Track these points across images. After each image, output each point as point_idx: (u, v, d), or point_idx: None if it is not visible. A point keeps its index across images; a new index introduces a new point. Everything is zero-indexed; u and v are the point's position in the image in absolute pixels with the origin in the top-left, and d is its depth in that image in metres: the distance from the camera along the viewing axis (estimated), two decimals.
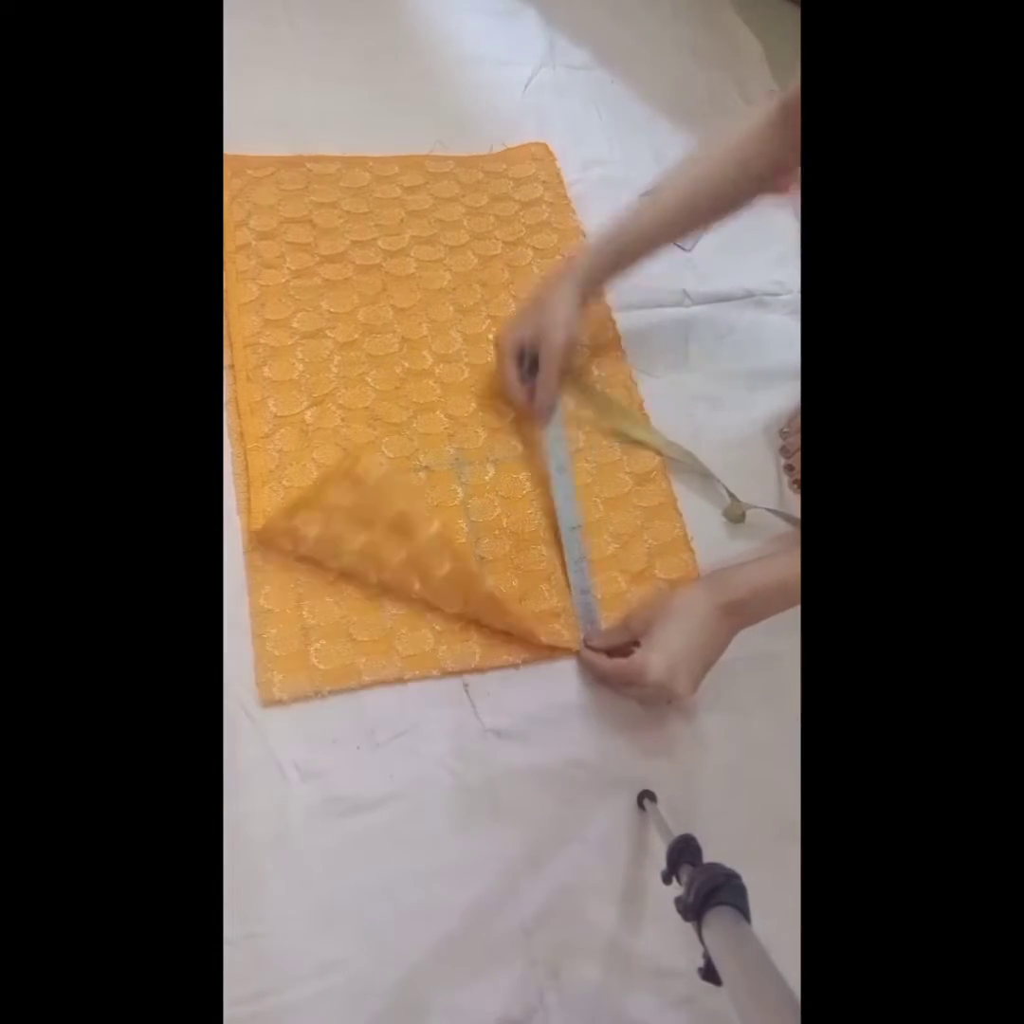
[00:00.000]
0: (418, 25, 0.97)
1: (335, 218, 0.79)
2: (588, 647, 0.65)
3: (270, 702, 0.59)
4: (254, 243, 0.76)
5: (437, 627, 0.63)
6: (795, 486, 0.76)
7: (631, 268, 0.72)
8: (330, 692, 0.60)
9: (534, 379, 0.71)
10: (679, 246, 0.85)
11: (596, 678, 0.65)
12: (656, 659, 0.59)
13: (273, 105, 0.85)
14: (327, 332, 0.74)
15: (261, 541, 0.63)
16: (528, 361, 0.71)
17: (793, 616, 0.70)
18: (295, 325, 0.73)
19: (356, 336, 0.74)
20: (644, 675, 0.59)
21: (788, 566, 0.62)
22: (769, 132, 0.65)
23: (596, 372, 0.78)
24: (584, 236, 0.85)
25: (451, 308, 0.78)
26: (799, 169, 0.64)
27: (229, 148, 0.79)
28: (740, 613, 0.62)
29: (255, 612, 0.61)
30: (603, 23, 1.01)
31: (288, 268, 0.76)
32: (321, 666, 0.60)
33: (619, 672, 0.62)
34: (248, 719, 0.58)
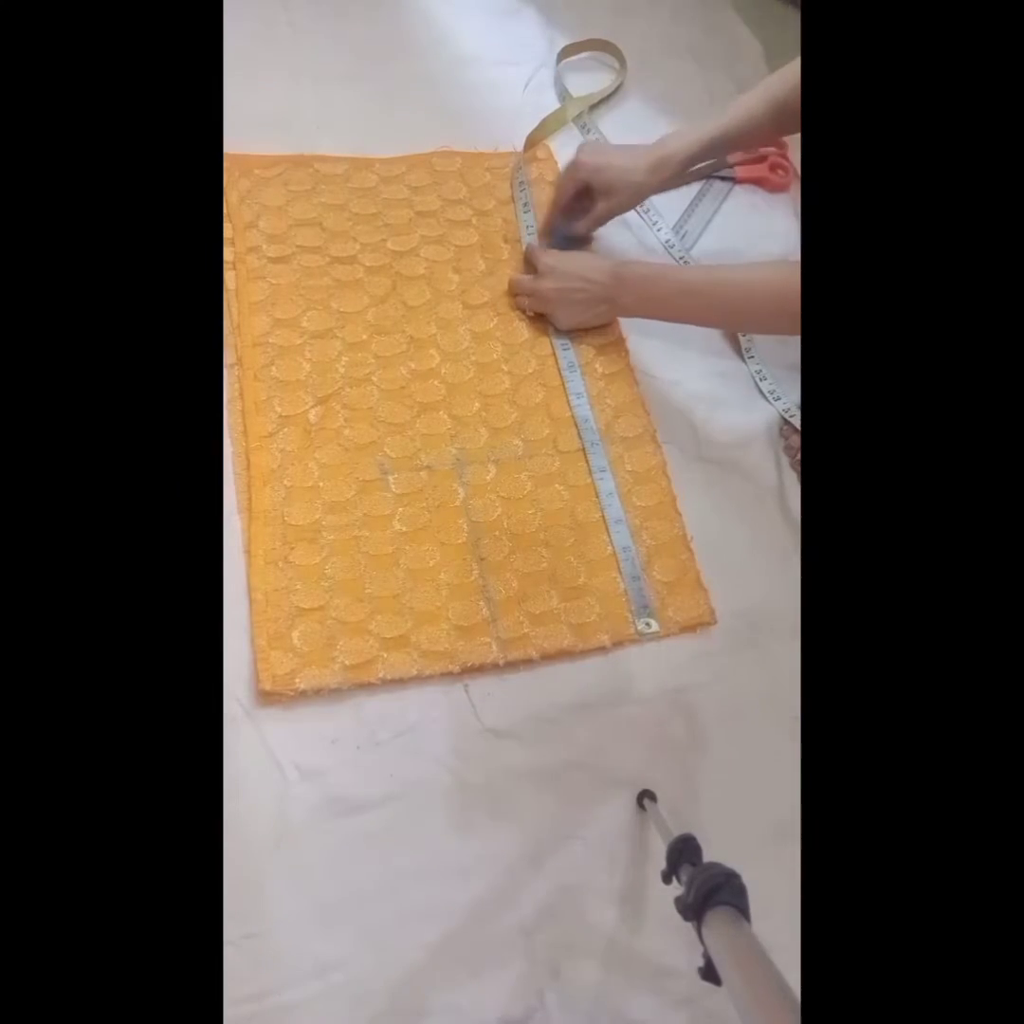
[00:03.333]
0: (418, 25, 0.97)
1: (344, 220, 0.80)
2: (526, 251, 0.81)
3: (275, 695, 0.59)
4: (264, 246, 0.76)
5: (458, 624, 0.64)
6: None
7: (703, 160, 0.79)
8: (351, 687, 0.60)
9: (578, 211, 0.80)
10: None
11: (509, 284, 0.79)
12: (550, 280, 0.76)
13: (273, 105, 0.84)
14: (336, 332, 0.74)
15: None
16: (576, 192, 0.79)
17: (793, 617, 0.70)
18: (305, 324, 0.73)
19: (364, 336, 0.74)
20: (538, 288, 0.76)
21: (691, 275, 0.77)
22: None
23: (600, 370, 0.78)
24: (589, 240, 0.85)
25: (459, 306, 0.78)
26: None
27: (230, 148, 0.79)
28: (623, 286, 0.74)
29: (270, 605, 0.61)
30: (603, 23, 1.01)
31: (299, 267, 0.76)
32: (344, 660, 0.61)
33: (524, 282, 0.78)
34: (248, 719, 0.58)
